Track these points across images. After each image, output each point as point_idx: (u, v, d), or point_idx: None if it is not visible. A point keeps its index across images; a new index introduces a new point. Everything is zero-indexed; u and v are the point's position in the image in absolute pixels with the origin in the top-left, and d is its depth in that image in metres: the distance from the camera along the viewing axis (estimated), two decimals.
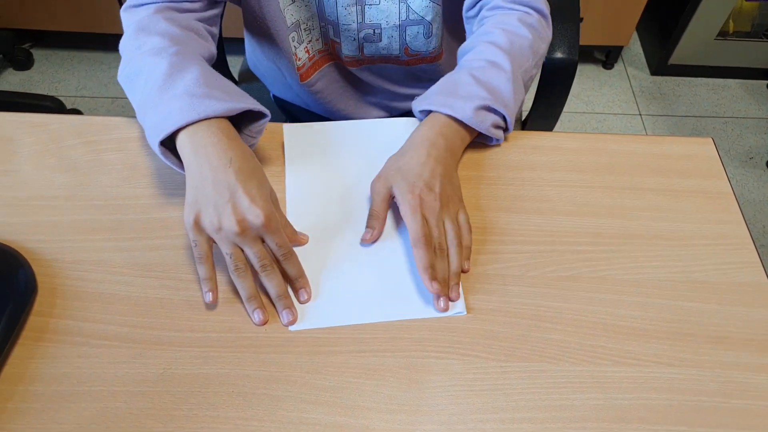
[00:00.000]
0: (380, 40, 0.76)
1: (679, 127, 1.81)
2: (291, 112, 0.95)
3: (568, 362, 0.53)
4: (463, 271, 0.58)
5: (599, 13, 1.72)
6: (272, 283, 0.55)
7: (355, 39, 0.76)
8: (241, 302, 0.55)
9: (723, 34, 1.79)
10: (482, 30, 0.69)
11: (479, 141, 0.68)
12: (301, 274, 0.56)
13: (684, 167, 0.68)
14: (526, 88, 0.68)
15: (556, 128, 0.99)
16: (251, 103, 0.59)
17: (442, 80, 0.67)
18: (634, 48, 2.02)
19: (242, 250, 0.54)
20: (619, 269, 0.59)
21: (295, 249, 0.59)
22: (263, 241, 0.55)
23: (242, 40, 1.19)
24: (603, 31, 1.78)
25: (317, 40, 0.78)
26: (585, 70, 1.94)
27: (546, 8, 0.71)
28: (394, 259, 0.59)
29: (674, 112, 1.85)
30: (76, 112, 1.70)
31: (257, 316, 0.54)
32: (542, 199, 0.64)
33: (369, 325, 0.55)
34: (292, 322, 0.54)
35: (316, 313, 0.55)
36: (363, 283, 0.57)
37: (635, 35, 2.05)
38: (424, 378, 0.52)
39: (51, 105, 1.61)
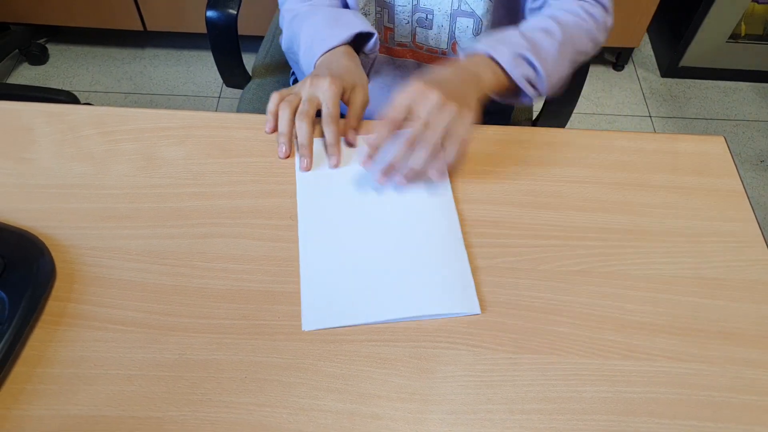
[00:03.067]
0: (431, 27, 0.79)
1: (689, 130, 1.80)
2: None
3: (578, 355, 0.54)
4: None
5: None
6: (329, 131, 0.64)
7: (408, 22, 0.78)
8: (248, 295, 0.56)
9: (735, 36, 1.79)
10: (543, 10, 0.73)
11: (509, 101, 0.70)
12: (339, 129, 0.64)
13: (695, 165, 0.68)
14: (573, 67, 0.71)
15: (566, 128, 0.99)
16: (357, 29, 0.70)
17: (490, 36, 0.70)
18: (645, 50, 2.01)
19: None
20: (629, 265, 0.60)
21: (307, 251, 0.59)
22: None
23: (257, 38, 1.20)
24: (614, 33, 1.76)
25: (372, 25, 0.79)
26: (595, 72, 1.93)
27: (609, 1, 0.75)
28: (408, 257, 0.59)
29: (684, 114, 1.85)
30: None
31: (305, 162, 0.64)
32: (553, 194, 0.65)
33: None
34: (337, 164, 0.65)
35: (329, 313, 0.55)
36: (376, 282, 0.57)
37: (646, 37, 2.05)
38: (435, 368, 0.53)
39: (65, 99, 1.63)
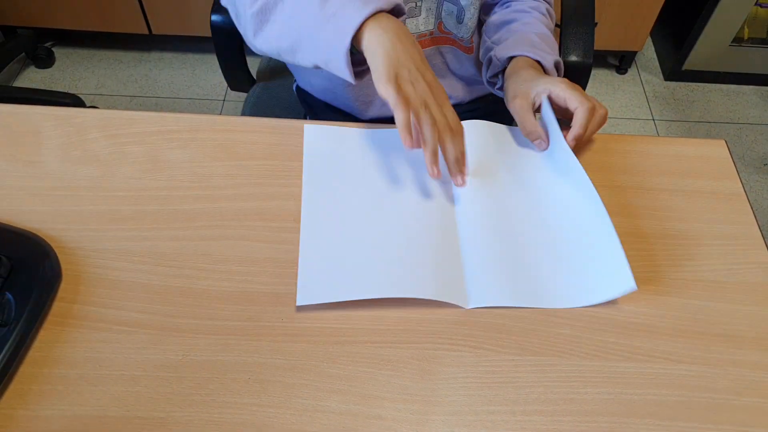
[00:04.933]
0: (420, 14, 0.79)
1: (692, 133, 1.80)
2: (312, 107, 0.96)
3: (579, 357, 0.54)
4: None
5: (614, 17, 1.72)
6: (451, 147, 0.61)
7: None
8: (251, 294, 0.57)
9: (738, 40, 1.79)
10: (519, 7, 0.78)
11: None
12: (462, 157, 0.63)
13: (696, 168, 0.69)
14: None
15: None
16: (398, 0, 0.64)
17: (514, 36, 0.75)
18: (648, 53, 2.02)
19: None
20: (631, 267, 0.60)
21: (308, 224, 0.61)
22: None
23: None
24: (617, 36, 1.78)
25: None
26: (598, 75, 1.94)
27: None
28: (405, 240, 0.60)
29: (688, 117, 1.85)
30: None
31: (435, 170, 0.60)
32: None
33: (383, 317, 0.56)
34: (463, 185, 0.63)
35: (325, 289, 0.57)
36: (374, 259, 0.59)
37: (649, 40, 2.05)
38: (437, 369, 0.53)
39: (71, 102, 1.64)
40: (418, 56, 0.61)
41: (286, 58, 0.66)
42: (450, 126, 0.61)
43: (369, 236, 0.61)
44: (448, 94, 0.91)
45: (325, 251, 0.59)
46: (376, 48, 0.59)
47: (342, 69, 0.61)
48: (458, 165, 0.63)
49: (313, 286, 0.57)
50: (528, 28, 0.76)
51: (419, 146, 0.60)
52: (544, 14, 0.79)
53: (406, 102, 0.58)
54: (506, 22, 0.78)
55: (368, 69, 0.61)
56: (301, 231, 0.61)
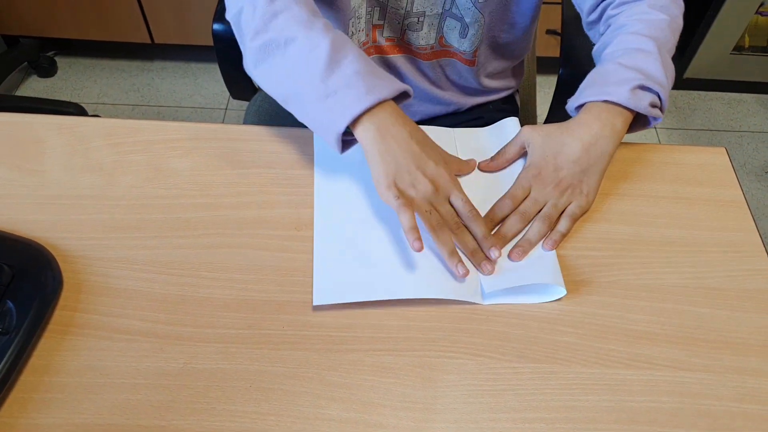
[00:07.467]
0: (421, 29, 0.79)
1: (694, 141, 1.81)
2: None
3: (580, 364, 0.54)
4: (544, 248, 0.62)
5: None
6: (466, 240, 0.60)
7: (399, 23, 0.79)
8: (255, 301, 0.57)
9: (738, 48, 1.79)
10: (615, 26, 0.70)
11: (639, 130, 0.67)
12: (488, 234, 0.60)
13: (697, 176, 0.69)
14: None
15: None
16: (405, 85, 0.62)
17: (588, 77, 0.68)
18: None
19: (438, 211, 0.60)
20: (631, 274, 0.60)
21: (321, 227, 0.62)
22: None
23: None
24: None
25: (361, 30, 0.80)
26: None
27: None
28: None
29: (689, 125, 1.85)
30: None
31: (461, 269, 0.58)
32: None
33: (384, 325, 0.56)
34: (492, 272, 0.59)
35: (341, 289, 0.57)
36: (389, 260, 0.59)
37: None
38: (438, 377, 0.53)
39: (73, 111, 1.65)
40: (417, 148, 0.60)
41: (278, 100, 0.65)
42: (458, 221, 0.60)
43: (382, 237, 0.61)
44: (448, 101, 0.89)
45: (339, 252, 0.60)
46: (371, 150, 0.59)
47: (331, 144, 0.61)
48: (478, 256, 0.60)
49: (328, 287, 0.57)
50: (613, 55, 0.67)
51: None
52: (644, 18, 0.68)
53: (410, 205, 0.58)
54: (600, 53, 0.71)
55: (355, 140, 0.61)
56: (314, 232, 0.62)
